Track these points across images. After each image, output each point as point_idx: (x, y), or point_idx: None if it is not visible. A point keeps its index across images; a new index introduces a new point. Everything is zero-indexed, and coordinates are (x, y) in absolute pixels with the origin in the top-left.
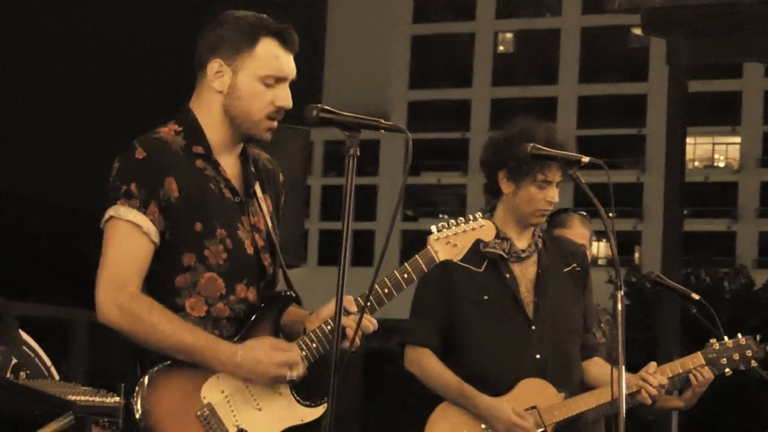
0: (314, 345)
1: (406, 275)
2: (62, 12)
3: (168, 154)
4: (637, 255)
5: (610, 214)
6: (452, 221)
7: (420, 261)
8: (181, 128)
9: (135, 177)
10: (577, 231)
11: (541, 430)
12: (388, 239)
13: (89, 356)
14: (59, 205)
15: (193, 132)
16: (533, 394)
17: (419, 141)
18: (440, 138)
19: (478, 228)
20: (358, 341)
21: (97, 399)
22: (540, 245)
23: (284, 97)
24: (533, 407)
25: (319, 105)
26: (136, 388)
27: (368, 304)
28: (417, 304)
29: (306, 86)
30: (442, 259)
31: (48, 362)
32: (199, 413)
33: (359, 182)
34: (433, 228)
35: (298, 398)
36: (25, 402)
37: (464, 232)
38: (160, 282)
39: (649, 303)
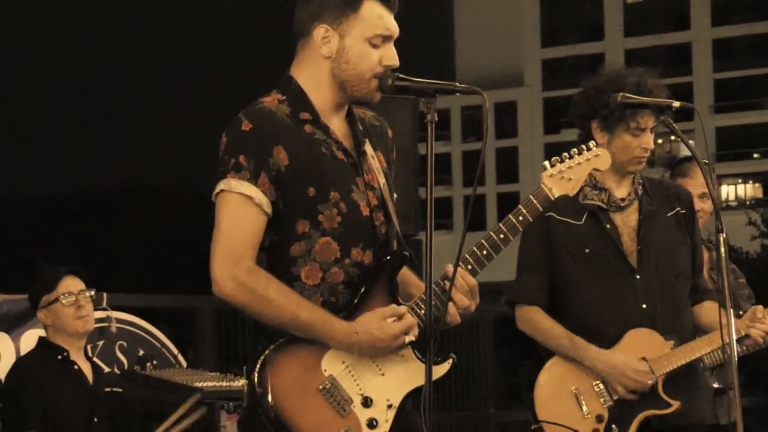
0: (422, 311)
1: (521, 217)
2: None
3: (274, 122)
4: None
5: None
6: (565, 154)
7: (534, 201)
8: (284, 96)
9: (243, 149)
10: (700, 180)
11: (652, 381)
12: (472, 203)
13: (216, 342)
14: (194, 192)
15: (298, 99)
16: (641, 345)
17: (556, 98)
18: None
19: (593, 158)
20: (472, 305)
21: (224, 384)
22: (641, 192)
23: (391, 56)
24: (642, 358)
25: (394, 73)
26: (257, 366)
27: (485, 252)
28: (522, 263)
29: (438, 51)
30: (557, 195)
31: (175, 351)
32: (320, 386)
33: (499, 145)
34: (546, 164)
35: (420, 358)
36: (153, 392)
37: (579, 164)
38: (277, 252)
39: None
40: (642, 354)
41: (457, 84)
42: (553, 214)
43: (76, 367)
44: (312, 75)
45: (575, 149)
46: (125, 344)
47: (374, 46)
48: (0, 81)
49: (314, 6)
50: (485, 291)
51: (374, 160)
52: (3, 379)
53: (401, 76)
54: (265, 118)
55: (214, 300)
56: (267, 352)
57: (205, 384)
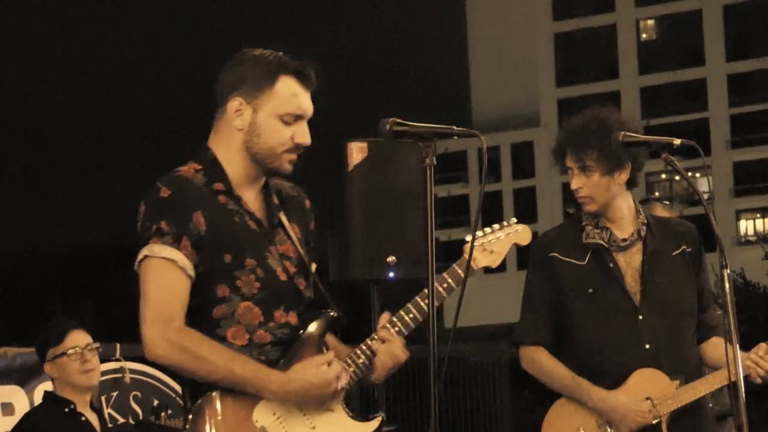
0: (361, 360)
1: (445, 285)
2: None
3: (191, 189)
4: None
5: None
6: (488, 228)
7: (458, 269)
8: (200, 167)
9: (164, 215)
10: None
11: (656, 420)
12: (473, 245)
13: None
14: None
15: (213, 170)
16: (646, 385)
17: None
18: None
19: (514, 233)
20: (383, 374)
21: None
22: (644, 232)
23: (303, 134)
24: (647, 398)
25: (392, 119)
26: (189, 419)
27: (411, 316)
28: (525, 303)
29: (453, 93)
30: (480, 266)
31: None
32: None
33: (516, 185)
34: (468, 238)
35: (350, 414)
36: None
37: (500, 238)
38: (199, 315)
39: None
40: (647, 394)
41: (455, 127)
42: (557, 254)
43: (83, 418)
44: (226, 146)
45: (497, 224)
46: (139, 394)
47: (286, 123)
48: (21, 136)
49: (232, 77)
50: (501, 333)
51: (290, 230)
52: None
53: (399, 120)
54: (182, 185)
55: None
56: (199, 403)
57: None
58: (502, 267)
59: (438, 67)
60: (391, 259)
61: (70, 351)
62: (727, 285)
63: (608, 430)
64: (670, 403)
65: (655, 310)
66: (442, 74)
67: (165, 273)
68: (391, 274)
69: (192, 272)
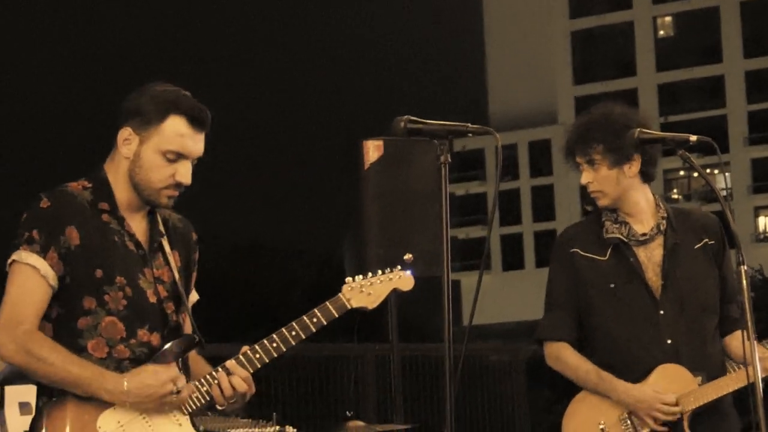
0: (205, 388)
1: (315, 320)
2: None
3: (72, 205)
4: None
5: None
6: (370, 273)
7: (330, 307)
8: (90, 185)
9: (37, 224)
10: None
11: (678, 417)
12: (489, 243)
13: None
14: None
15: (102, 189)
16: (669, 381)
17: None
18: None
19: (396, 279)
20: (224, 403)
21: (257, 430)
22: (664, 226)
23: (184, 174)
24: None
25: (406, 117)
26: (34, 421)
27: (274, 345)
28: (549, 300)
29: (470, 91)
30: (354, 306)
31: None
32: None
33: (534, 183)
34: (348, 279)
35: (197, 428)
36: None
37: (380, 282)
38: (64, 324)
39: None
40: (670, 390)
41: (469, 125)
42: (578, 251)
43: None
44: (116, 170)
45: (381, 270)
46: None
47: (169, 160)
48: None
49: (130, 106)
50: (520, 330)
51: (170, 257)
52: None
53: (413, 118)
54: (63, 200)
55: (241, 346)
56: (44, 406)
57: (237, 431)
58: (520, 264)
59: (455, 66)
60: (408, 257)
61: None
62: (744, 281)
63: (629, 423)
64: (693, 400)
65: (676, 305)
66: (459, 72)
67: (27, 279)
68: (408, 272)
69: (54, 282)
